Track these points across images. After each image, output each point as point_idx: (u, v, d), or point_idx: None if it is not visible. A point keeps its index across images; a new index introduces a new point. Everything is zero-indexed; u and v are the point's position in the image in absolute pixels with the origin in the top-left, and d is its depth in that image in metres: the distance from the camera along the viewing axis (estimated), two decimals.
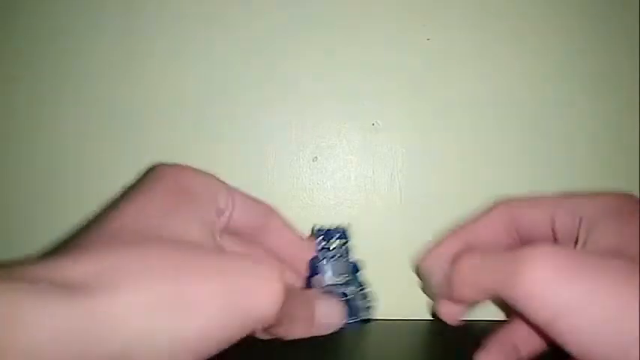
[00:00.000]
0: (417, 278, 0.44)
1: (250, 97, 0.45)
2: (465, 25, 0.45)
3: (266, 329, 0.28)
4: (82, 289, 0.18)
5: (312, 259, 0.36)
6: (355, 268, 0.38)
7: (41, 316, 0.17)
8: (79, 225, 0.43)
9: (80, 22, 0.45)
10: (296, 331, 0.30)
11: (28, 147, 0.45)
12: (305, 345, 0.33)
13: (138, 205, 0.26)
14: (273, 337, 0.30)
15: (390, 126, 0.46)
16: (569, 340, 0.23)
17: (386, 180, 0.46)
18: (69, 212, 0.43)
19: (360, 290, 0.37)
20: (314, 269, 0.36)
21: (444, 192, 0.46)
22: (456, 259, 0.31)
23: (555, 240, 0.32)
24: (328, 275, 0.36)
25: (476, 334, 0.36)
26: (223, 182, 0.31)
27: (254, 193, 0.34)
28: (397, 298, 0.46)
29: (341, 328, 0.34)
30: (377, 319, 0.44)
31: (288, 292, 0.26)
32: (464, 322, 0.37)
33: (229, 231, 0.32)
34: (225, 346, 0.23)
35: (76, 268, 0.19)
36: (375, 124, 0.45)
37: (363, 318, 0.37)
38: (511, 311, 0.30)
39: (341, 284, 0.36)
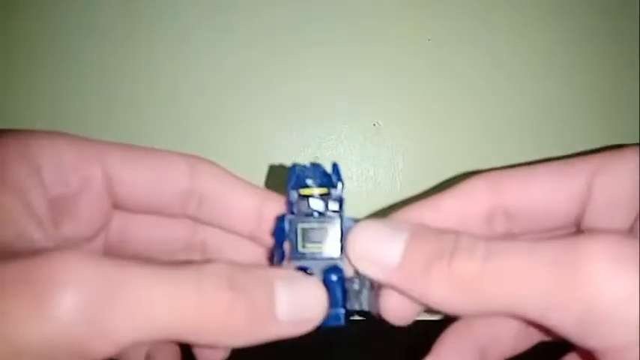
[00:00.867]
0: None
1: (251, 97, 0.45)
2: (465, 26, 0.45)
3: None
4: None
5: (278, 217, 0.24)
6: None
7: None
8: None
9: (80, 22, 0.45)
10: (236, 335, 0.19)
11: None
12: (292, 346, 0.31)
13: None
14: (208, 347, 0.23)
15: (391, 126, 0.45)
16: None
17: (387, 180, 0.45)
18: None
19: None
20: (279, 234, 0.24)
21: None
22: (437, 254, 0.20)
23: (578, 229, 0.23)
24: (304, 243, 0.23)
25: None
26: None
27: None
28: None
29: (317, 327, 0.22)
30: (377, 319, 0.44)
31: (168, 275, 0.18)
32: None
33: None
34: None
35: None
36: (376, 124, 0.45)
37: (356, 309, 0.24)
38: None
39: (323, 257, 0.23)
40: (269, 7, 0.45)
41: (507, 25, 0.45)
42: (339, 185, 0.23)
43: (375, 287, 0.24)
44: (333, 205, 0.23)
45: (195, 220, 0.26)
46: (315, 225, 0.23)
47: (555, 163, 0.23)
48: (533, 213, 0.23)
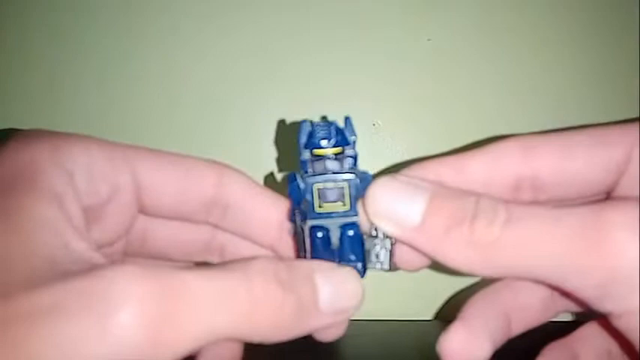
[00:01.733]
0: (419, 279, 0.44)
1: (249, 97, 0.45)
2: (465, 26, 0.45)
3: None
4: None
5: (290, 176, 0.23)
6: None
7: None
8: None
9: (80, 22, 0.45)
10: (284, 329, 0.20)
11: None
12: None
13: None
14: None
15: (390, 126, 0.45)
16: None
17: None
18: None
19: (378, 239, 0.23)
20: (295, 194, 0.23)
21: None
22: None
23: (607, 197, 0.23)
24: (320, 202, 0.23)
25: None
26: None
27: None
28: (398, 299, 0.46)
29: None
30: (378, 320, 0.43)
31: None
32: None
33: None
34: None
35: None
36: (376, 124, 0.45)
37: (377, 269, 0.24)
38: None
39: (340, 216, 0.23)
40: (269, 7, 0.45)
41: (507, 24, 0.45)
42: (353, 141, 0.23)
43: (394, 244, 0.24)
44: (348, 163, 0.23)
45: (217, 227, 0.26)
46: (330, 184, 0.23)
47: (593, 131, 0.22)
48: (566, 183, 0.22)
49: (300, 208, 0.24)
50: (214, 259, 0.27)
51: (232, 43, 0.45)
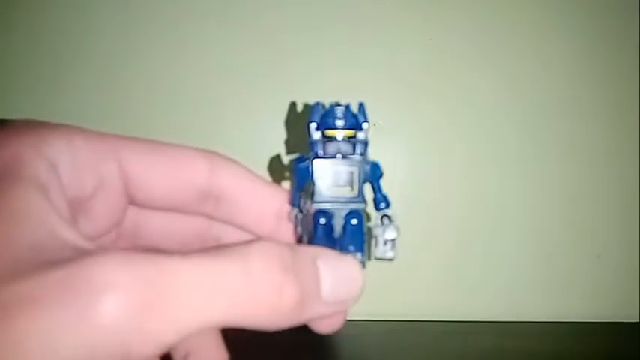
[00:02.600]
0: (418, 280, 0.44)
1: (249, 97, 0.45)
2: (465, 26, 0.46)
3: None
4: None
5: (298, 158, 0.23)
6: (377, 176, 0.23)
7: None
8: None
9: (80, 22, 0.45)
10: (284, 316, 0.19)
11: None
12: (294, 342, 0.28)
13: None
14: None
15: (390, 126, 0.45)
16: None
17: (387, 180, 0.45)
18: None
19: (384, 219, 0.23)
20: (302, 175, 0.23)
21: (445, 192, 0.45)
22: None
23: None
24: (327, 186, 0.22)
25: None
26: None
27: None
28: (397, 300, 0.46)
29: None
30: (376, 320, 0.43)
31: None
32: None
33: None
34: None
35: None
36: (376, 124, 0.45)
37: (383, 258, 0.23)
38: None
39: (346, 201, 0.22)
40: (270, 6, 0.45)
41: (508, 25, 0.45)
42: (366, 127, 0.22)
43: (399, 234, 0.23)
44: (359, 149, 0.22)
45: (212, 218, 0.25)
46: (340, 167, 0.22)
47: None
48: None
49: (304, 191, 0.23)
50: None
51: (232, 42, 0.45)
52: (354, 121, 0.22)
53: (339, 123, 0.22)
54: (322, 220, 0.22)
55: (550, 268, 0.48)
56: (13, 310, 0.15)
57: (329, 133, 0.22)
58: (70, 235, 0.18)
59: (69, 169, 0.21)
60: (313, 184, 0.22)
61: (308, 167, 0.22)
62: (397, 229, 0.23)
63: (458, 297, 0.46)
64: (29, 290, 0.15)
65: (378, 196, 0.23)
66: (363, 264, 0.22)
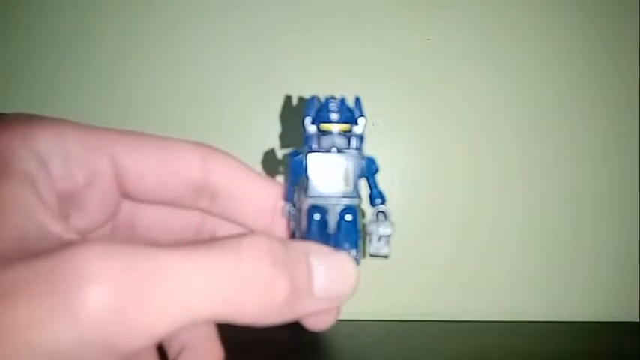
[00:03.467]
0: (417, 281, 0.44)
1: (249, 97, 0.45)
2: (464, 26, 0.45)
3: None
4: None
5: (292, 152, 0.23)
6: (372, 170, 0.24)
7: None
8: None
9: (80, 23, 0.44)
10: (275, 312, 0.18)
11: None
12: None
13: None
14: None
15: (390, 126, 0.45)
16: None
17: (386, 180, 0.45)
18: None
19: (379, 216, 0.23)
20: (296, 170, 0.22)
21: (445, 192, 0.45)
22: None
23: None
24: (322, 181, 0.22)
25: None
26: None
27: None
28: (396, 299, 0.45)
29: None
30: (373, 320, 0.43)
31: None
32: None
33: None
34: None
35: None
36: (375, 124, 0.45)
37: (378, 255, 0.23)
38: None
39: (340, 197, 0.22)
40: (269, 6, 0.45)
41: (507, 25, 0.45)
42: (362, 121, 0.22)
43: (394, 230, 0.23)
44: (355, 143, 0.22)
45: (207, 213, 0.25)
46: (335, 161, 0.22)
47: None
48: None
49: (298, 186, 0.23)
50: None
51: (232, 41, 0.45)
52: (350, 115, 0.22)
53: (334, 116, 0.22)
54: (316, 216, 0.22)
55: (550, 268, 0.48)
56: None
57: (324, 126, 0.22)
58: (57, 229, 0.18)
59: (60, 162, 0.21)
60: (307, 178, 0.22)
61: (302, 161, 0.22)
62: (392, 225, 0.23)
63: (458, 297, 0.46)
64: (10, 280, 0.15)
65: (374, 191, 0.23)
66: (357, 261, 0.22)
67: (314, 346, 0.35)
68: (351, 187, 0.22)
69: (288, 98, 0.44)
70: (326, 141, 0.22)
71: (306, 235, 0.22)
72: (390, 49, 0.45)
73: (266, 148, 0.43)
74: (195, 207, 0.25)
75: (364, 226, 0.23)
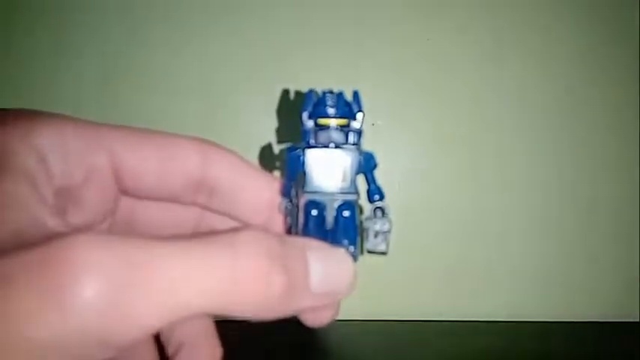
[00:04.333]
0: (417, 282, 0.44)
1: (248, 97, 0.45)
2: (465, 26, 0.45)
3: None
4: None
5: (290, 147, 0.22)
6: (370, 167, 0.23)
7: None
8: None
9: (80, 22, 0.45)
10: (271, 307, 0.18)
11: None
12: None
13: None
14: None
15: (389, 126, 0.45)
16: None
17: (386, 180, 0.45)
18: None
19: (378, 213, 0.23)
20: (293, 165, 0.22)
21: (445, 193, 0.45)
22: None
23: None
24: (319, 176, 0.22)
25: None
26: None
27: None
28: (395, 301, 0.45)
29: None
30: (371, 320, 0.43)
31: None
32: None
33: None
34: None
35: None
36: (375, 124, 0.45)
37: (376, 251, 0.23)
38: None
39: (338, 192, 0.22)
40: (269, 5, 0.45)
41: (507, 24, 0.45)
42: (360, 116, 0.22)
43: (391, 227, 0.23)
44: (352, 138, 0.22)
45: (205, 209, 0.25)
46: (332, 156, 0.22)
47: None
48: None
49: (296, 181, 0.22)
50: None
51: (232, 40, 0.45)
52: (348, 110, 0.22)
53: (332, 111, 0.22)
54: (314, 212, 0.22)
55: (550, 267, 0.48)
56: None
57: (321, 121, 0.22)
58: (53, 223, 0.18)
59: (59, 158, 0.21)
60: (305, 174, 0.22)
61: (300, 156, 0.22)
62: (390, 221, 0.22)
63: (458, 297, 0.46)
64: (3, 270, 0.15)
65: (372, 187, 0.23)
66: (355, 257, 0.22)
67: (312, 345, 0.35)
68: (348, 183, 0.22)
69: (285, 92, 0.44)
70: (323, 136, 0.22)
71: (304, 231, 0.22)
72: (389, 48, 0.45)
73: (263, 143, 0.43)
74: (193, 203, 0.25)
75: (361, 222, 0.22)
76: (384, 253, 0.23)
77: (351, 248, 0.22)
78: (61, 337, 0.14)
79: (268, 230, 0.19)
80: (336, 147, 0.22)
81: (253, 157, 0.42)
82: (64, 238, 0.15)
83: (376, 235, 0.23)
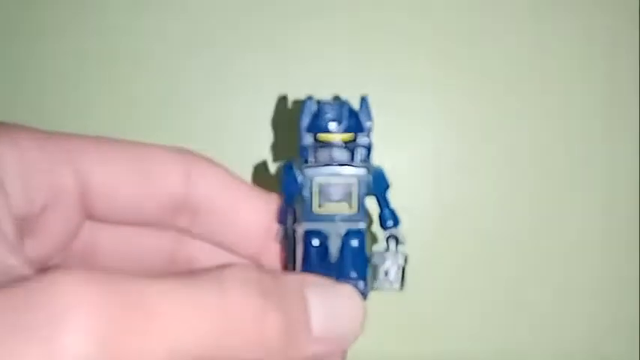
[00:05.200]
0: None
1: (248, 97, 0.43)
2: (466, 26, 0.44)
3: None
4: None
5: (286, 165, 0.20)
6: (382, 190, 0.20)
7: None
8: None
9: (80, 21, 0.43)
10: (268, 353, 0.16)
11: None
12: None
13: None
14: None
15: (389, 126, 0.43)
16: None
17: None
18: None
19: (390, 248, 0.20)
20: (290, 187, 0.19)
21: (447, 194, 0.43)
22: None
23: None
24: (321, 201, 0.19)
25: None
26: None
27: None
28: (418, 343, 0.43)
29: None
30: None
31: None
32: None
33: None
34: None
35: None
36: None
37: (386, 289, 0.19)
38: None
39: (343, 219, 0.19)
40: (268, 4, 0.43)
41: (509, 25, 0.44)
42: (369, 127, 0.19)
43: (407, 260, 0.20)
44: (360, 154, 0.19)
45: (186, 234, 0.22)
46: (335, 179, 0.19)
47: None
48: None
49: (293, 206, 0.20)
50: None
51: (232, 38, 0.43)
52: (353, 122, 0.19)
53: (333, 126, 0.19)
54: (315, 242, 0.19)
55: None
56: None
57: (322, 137, 0.19)
58: (13, 262, 0.15)
59: (14, 177, 0.17)
60: (303, 198, 0.19)
61: (296, 178, 0.19)
62: (404, 255, 0.19)
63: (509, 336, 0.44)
64: None
65: (385, 211, 0.20)
66: (365, 295, 0.19)
67: None
68: (355, 208, 0.19)
69: (282, 99, 0.42)
70: (324, 154, 0.19)
71: (304, 265, 0.19)
72: (389, 49, 0.44)
73: (256, 159, 0.42)
74: (172, 226, 0.21)
75: (370, 256, 0.19)
76: (397, 290, 0.20)
77: (360, 284, 0.19)
78: None
79: (260, 264, 0.17)
80: (341, 166, 0.19)
81: (244, 175, 0.40)
82: (46, 275, 0.13)
83: (386, 273, 0.19)
